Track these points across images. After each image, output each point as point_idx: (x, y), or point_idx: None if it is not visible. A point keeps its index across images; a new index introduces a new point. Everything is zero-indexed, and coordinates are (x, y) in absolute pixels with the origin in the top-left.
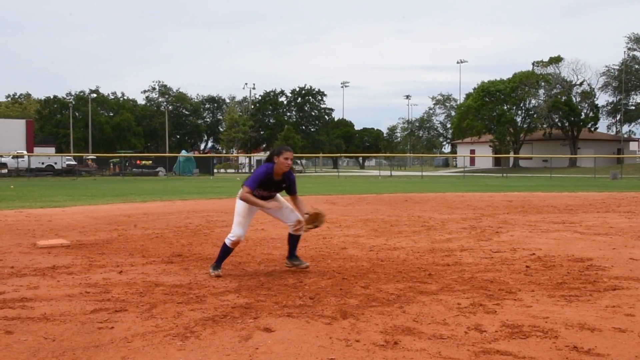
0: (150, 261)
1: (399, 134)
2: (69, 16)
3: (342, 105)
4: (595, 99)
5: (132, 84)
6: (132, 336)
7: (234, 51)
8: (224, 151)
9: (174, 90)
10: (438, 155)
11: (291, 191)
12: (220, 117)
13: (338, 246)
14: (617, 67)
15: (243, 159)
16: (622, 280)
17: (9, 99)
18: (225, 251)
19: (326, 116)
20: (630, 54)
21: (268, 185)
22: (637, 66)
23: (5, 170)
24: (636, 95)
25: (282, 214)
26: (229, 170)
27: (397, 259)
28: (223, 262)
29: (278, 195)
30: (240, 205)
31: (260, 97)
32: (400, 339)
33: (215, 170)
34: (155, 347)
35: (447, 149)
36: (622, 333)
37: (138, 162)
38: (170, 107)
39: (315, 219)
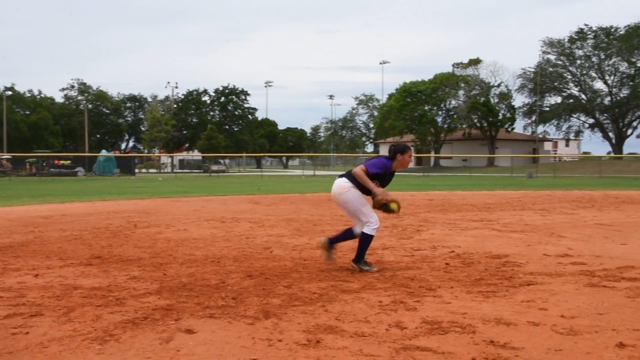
0: (68, 264)
1: (322, 134)
2: None
3: (265, 105)
4: (512, 100)
5: (50, 82)
6: (48, 341)
7: (156, 50)
8: (146, 151)
9: (94, 89)
10: (361, 155)
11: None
12: (142, 116)
13: (261, 246)
14: (533, 70)
15: (165, 158)
16: (537, 276)
17: None
18: (370, 242)
19: (250, 116)
20: (545, 57)
21: (381, 177)
22: (551, 69)
23: None
24: (550, 97)
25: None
26: (150, 170)
27: (319, 258)
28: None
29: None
30: (356, 197)
31: (183, 96)
32: (323, 337)
33: (136, 170)
34: (73, 351)
35: (369, 148)
36: (536, 327)
37: (56, 161)
38: (90, 106)
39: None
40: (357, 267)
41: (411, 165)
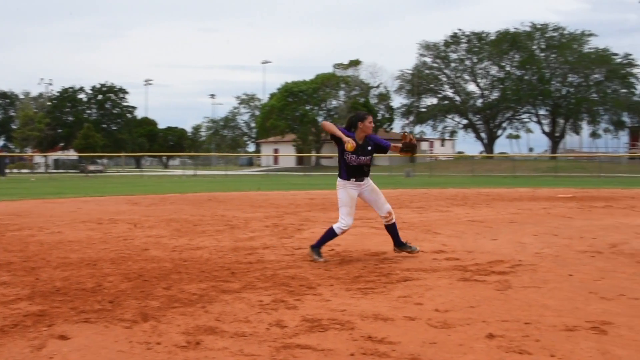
0: None
1: (203, 133)
2: None
3: (145, 104)
4: (390, 101)
5: None
6: None
7: (29, 44)
8: (18, 150)
9: None
10: (242, 154)
11: (384, 147)
12: (13, 113)
13: (140, 247)
14: (410, 72)
15: (39, 158)
16: (413, 272)
17: None
18: (331, 237)
19: (128, 114)
20: (422, 60)
21: (356, 148)
22: (427, 71)
23: None
24: (427, 98)
25: (376, 204)
26: (23, 171)
27: (200, 259)
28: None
29: (374, 185)
30: (343, 195)
31: (58, 94)
32: (203, 338)
33: (7, 171)
34: None
35: (251, 148)
36: (412, 321)
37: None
38: None
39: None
40: (310, 253)
41: (292, 164)
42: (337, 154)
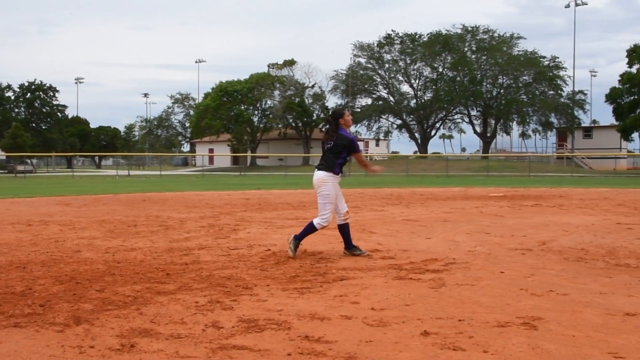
0: None
1: (137, 133)
2: None
3: (76, 103)
4: (325, 101)
5: None
6: None
7: None
8: None
9: None
10: (177, 154)
11: (355, 149)
12: None
13: (72, 249)
14: (345, 72)
15: None
16: (349, 271)
17: None
18: (311, 231)
19: (59, 113)
20: (356, 60)
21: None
22: (362, 72)
23: None
24: (362, 98)
25: (341, 201)
26: None
27: (134, 260)
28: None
29: (337, 185)
30: (332, 191)
31: None
32: (137, 341)
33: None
34: None
35: (186, 148)
36: (349, 320)
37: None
38: None
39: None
40: (290, 242)
41: (227, 164)
42: (271, 153)
